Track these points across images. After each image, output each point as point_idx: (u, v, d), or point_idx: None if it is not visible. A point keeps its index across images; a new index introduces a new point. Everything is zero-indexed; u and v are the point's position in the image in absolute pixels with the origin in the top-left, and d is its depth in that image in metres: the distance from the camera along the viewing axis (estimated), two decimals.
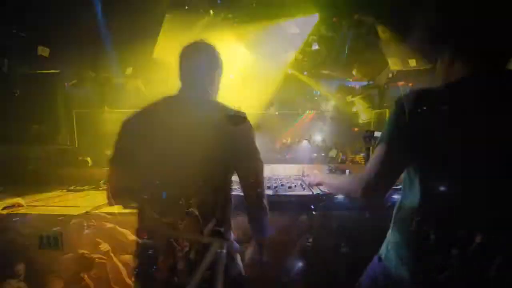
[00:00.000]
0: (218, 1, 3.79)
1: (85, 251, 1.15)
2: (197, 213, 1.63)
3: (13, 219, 2.23)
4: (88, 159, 3.97)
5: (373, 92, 4.95)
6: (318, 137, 5.28)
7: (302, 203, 3.09)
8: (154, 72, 3.98)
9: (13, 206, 2.49)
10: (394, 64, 4.15)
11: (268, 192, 3.25)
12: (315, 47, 4.31)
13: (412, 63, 4.07)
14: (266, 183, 3.65)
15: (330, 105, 5.45)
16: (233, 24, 4.09)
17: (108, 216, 1.98)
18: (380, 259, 1.36)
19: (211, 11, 3.94)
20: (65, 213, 2.31)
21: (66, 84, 3.92)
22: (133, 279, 1.30)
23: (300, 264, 1.55)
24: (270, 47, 4.37)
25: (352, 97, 5.11)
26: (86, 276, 1.12)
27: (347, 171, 4.07)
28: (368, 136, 3.51)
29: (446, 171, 1.13)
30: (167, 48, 3.88)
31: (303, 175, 4.23)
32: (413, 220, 1.20)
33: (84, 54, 3.85)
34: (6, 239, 1.92)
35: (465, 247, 1.11)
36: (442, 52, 1.22)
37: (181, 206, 1.48)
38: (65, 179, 3.64)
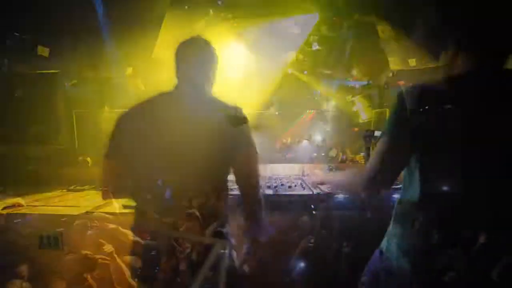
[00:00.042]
0: (219, 3, 3.79)
1: (88, 252, 1.15)
2: (198, 214, 1.64)
3: (14, 219, 2.23)
4: (88, 159, 3.97)
5: (373, 92, 4.96)
6: (318, 137, 5.29)
7: (302, 203, 3.10)
8: (154, 72, 3.98)
9: (13, 206, 2.49)
10: (394, 63, 4.16)
11: (268, 191, 3.25)
12: (315, 47, 4.31)
13: (412, 62, 4.08)
14: (266, 183, 3.66)
15: (330, 104, 5.45)
16: (233, 24, 4.09)
17: (110, 217, 1.99)
18: (381, 252, 1.37)
19: (211, 11, 3.94)
20: (65, 213, 2.31)
21: (66, 84, 3.92)
22: (136, 280, 1.31)
23: (302, 264, 1.55)
24: (270, 47, 4.37)
25: (352, 96, 5.11)
26: (89, 276, 1.13)
27: (345, 172, 4.08)
28: (368, 136, 3.52)
29: (446, 166, 1.14)
30: (167, 48, 3.87)
31: (303, 175, 4.24)
32: (413, 212, 1.22)
33: (84, 54, 3.84)
34: (7, 239, 1.92)
35: (465, 240, 1.12)
36: (446, 46, 1.23)
37: (177, 200, 1.48)
38: (65, 179, 3.64)
